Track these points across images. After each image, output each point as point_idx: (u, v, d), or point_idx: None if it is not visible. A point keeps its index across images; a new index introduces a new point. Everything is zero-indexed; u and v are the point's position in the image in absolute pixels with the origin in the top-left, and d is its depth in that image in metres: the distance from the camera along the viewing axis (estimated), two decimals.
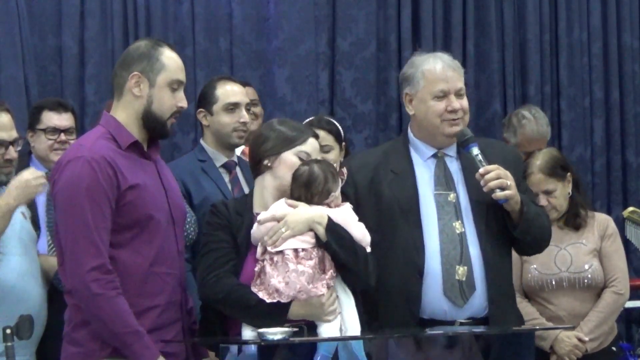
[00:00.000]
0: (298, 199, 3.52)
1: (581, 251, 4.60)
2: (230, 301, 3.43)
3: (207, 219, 3.59)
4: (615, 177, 6.62)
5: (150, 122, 3.47)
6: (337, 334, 3.42)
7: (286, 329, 3.29)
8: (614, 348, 4.64)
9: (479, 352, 3.61)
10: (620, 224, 5.08)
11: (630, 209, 5.21)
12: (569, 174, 4.66)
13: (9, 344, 3.39)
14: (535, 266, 4.53)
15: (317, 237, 3.43)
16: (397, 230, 3.72)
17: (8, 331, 3.41)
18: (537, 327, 4.35)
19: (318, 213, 3.46)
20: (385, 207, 3.74)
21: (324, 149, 4.47)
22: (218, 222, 3.54)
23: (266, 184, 3.58)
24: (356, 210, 3.56)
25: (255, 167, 3.62)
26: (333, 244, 3.41)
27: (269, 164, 3.57)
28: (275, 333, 3.22)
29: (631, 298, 4.82)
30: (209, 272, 3.46)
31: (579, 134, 6.57)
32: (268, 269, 3.40)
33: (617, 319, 4.70)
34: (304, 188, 3.51)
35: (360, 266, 3.47)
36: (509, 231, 3.76)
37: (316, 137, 3.63)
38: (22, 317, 3.49)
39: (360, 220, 3.53)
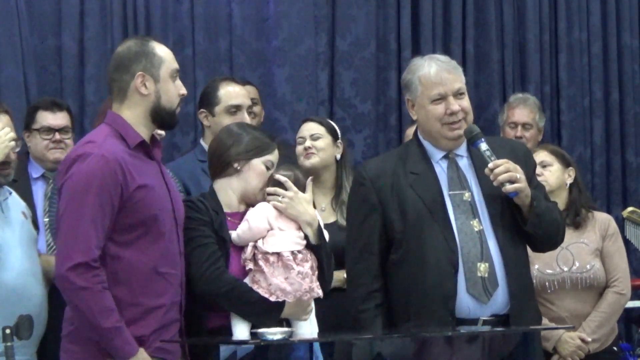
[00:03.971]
0: None
1: (583, 251, 4.60)
2: (232, 296, 3.49)
3: (188, 214, 3.60)
4: (615, 177, 6.61)
5: (161, 116, 3.51)
6: (312, 332, 3.57)
7: (286, 329, 3.32)
8: (615, 348, 4.64)
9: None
10: (620, 224, 5.07)
11: (630, 209, 5.21)
12: (570, 168, 4.68)
13: (9, 344, 3.39)
14: (537, 266, 4.52)
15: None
16: (427, 230, 3.70)
17: (7, 331, 3.40)
18: (537, 327, 4.34)
19: (314, 214, 3.65)
20: (411, 208, 3.73)
21: (313, 136, 4.72)
22: (201, 218, 3.59)
23: (233, 186, 3.69)
24: (382, 215, 3.71)
25: (220, 167, 3.70)
26: (322, 249, 3.61)
27: (238, 168, 3.66)
28: (275, 333, 3.23)
29: (631, 298, 4.82)
30: (208, 267, 3.51)
31: (578, 134, 6.56)
32: (266, 269, 3.50)
33: (617, 319, 4.70)
34: None
35: (330, 271, 3.68)
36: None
37: (278, 148, 3.78)
38: (22, 317, 3.48)
39: (386, 224, 3.70)
